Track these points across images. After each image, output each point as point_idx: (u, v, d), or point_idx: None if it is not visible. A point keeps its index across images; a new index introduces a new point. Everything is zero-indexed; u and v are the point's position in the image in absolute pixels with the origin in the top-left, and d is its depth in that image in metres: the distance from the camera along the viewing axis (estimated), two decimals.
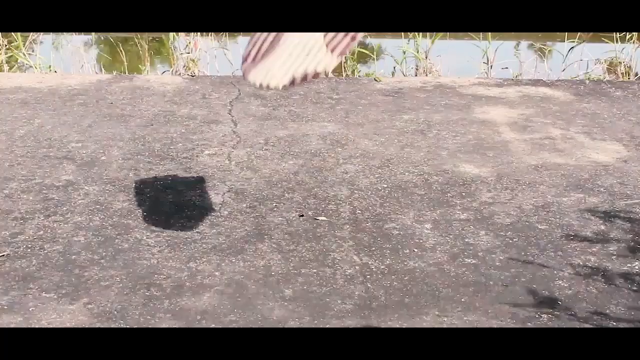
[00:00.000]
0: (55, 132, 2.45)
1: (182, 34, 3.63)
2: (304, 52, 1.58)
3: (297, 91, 2.96)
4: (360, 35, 1.56)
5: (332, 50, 1.55)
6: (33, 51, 3.75)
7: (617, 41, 3.66)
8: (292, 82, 1.54)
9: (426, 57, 3.44)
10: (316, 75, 1.53)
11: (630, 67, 3.56)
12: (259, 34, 1.66)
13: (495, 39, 3.56)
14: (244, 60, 1.64)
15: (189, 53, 3.51)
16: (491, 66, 3.48)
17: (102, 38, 4.53)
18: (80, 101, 2.79)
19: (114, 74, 3.37)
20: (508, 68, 3.52)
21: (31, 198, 1.98)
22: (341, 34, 1.54)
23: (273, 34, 1.64)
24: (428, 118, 2.61)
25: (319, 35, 1.56)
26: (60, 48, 3.98)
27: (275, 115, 2.65)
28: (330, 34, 1.55)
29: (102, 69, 3.74)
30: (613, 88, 3.09)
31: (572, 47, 3.57)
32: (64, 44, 4.07)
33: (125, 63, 3.65)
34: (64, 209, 1.92)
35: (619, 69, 3.52)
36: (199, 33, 3.67)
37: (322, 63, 1.55)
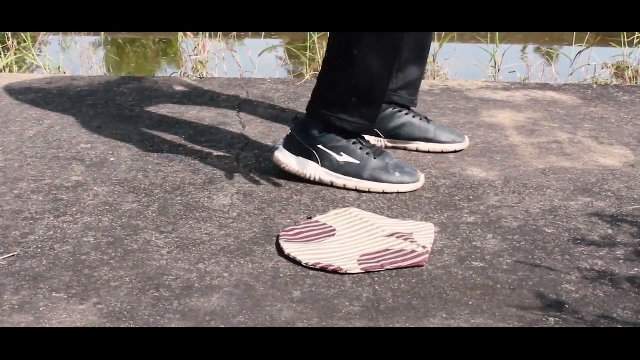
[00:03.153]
0: (65, 133, 2.46)
1: (190, 36, 3.64)
2: (340, 254, 1.71)
3: (306, 94, 2.97)
4: (387, 266, 1.68)
5: (360, 264, 1.67)
6: (41, 52, 3.77)
7: (624, 45, 3.66)
8: (315, 266, 1.67)
9: (434, 61, 3.45)
10: (338, 270, 1.66)
11: (637, 71, 3.57)
12: (313, 222, 1.86)
13: (503, 42, 3.57)
14: (286, 230, 1.80)
15: (197, 55, 3.53)
16: (499, 70, 3.49)
17: (110, 39, 4.55)
18: (89, 102, 2.80)
19: (123, 75, 3.38)
20: (516, 72, 3.53)
21: (41, 198, 1.99)
22: (374, 261, 1.69)
23: (325, 229, 1.83)
24: (436, 120, 2.61)
25: (357, 253, 1.73)
26: (69, 49, 4.00)
27: (284, 117, 2.66)
28: (366, 257, 1.71)
29: (111, 69, 3.76)
30: (620, 92, 3.10)
31: (580, 52, 3.58)
32: (72, 45, 4.09)
33: (134, 65, 3.67)
34: (74, 209, 1.93)
35: (626, 74, 3.53)
36: (207, 35, 3.69)
37: (347, 266, 1.67)
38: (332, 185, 2.08)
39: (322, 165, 2.08)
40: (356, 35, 1.96)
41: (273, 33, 4.40)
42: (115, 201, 1.98)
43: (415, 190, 2.06)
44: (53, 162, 2.23)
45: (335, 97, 2.06)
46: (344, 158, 2.07)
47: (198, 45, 3.57)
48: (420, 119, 2.37)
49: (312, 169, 2.09)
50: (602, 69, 3.65)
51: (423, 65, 2.40)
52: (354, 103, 2.04)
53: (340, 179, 2.07)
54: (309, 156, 2.09)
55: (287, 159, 2.11)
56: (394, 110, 2.35)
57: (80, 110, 2.71)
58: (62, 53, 3.75)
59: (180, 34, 3.67)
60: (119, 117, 2.64)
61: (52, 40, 4.26)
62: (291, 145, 2.11)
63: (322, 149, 2.08)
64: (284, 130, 2.52)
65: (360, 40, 1.97)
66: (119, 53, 4.26)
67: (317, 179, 2.09)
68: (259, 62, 3.57)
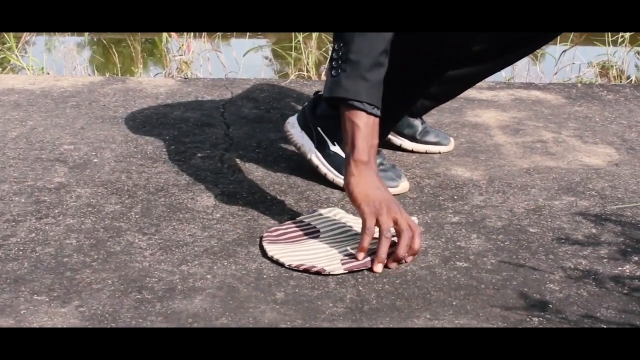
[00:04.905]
0: (48, 134, 2.45)
1: (174, 36, 3.63)
2: (323, 255, 1.70)
3: (291, 94, 2.96)
4: (375, 269, 1.68)
5: (343, 264, 1.67)
6: (26, 52, 3.75)
7: (608, 44, 3.67)
8: (297, 267, 1.66)
9: None
10: (321, 271, 1.65)
11: (622, 70, 3.58)
12: (297, 222, 1.85)
13: None
14: (270, 231, 1.79)
15: (181, 55, 3.51)
16: None
17: (94, 39, 4.53)
18: (72, 103, 2.79)
19: (107, 76, 3.37)
20: (500, 71, 3.52)
21: (23, 200, 1.98)
22: (360, 263, 1.68)
23: (309, 229, 1.81)
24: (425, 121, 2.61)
25: (340, 253, 1.71)
26: (53, 49, 3.98)
27: (268, 118, 2.65)
28: (349, 257, 1.70)
29: (95, 71, 3.74)
30: (605, 91, 3.10)
31: (564, 51, 3.59)
32: (56, 46, 4.06)
33: (118, 65, 3.65)
34: (56, 211, 1.92)
35: (610, 73, 3.54)
36: (191, 35, 3.67)
37: (330, 267, 1.66)
38: (316, 170, 2.08)
39: (317, 147, 2.08)
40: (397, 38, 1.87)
41: (259, 33, 4.39)
42: (98, 203, 1.97)
43: (400, 194, 2.06)
44: (35, 164, 2.21)
45: None
46: (335, 148, 2.06)
47: (182, 45, 3.56)
48: (413, 116, 2.36)
49: (307, 146, 2.10)
50: (587, 67, 3.66)
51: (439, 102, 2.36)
52: None
53: (323, 168, 2.07)
54: (310, 133, 2.10)
55: (292, 128, 2.14)
56: None
57: (63, 111, 2.69)
58: (46, 54, 3.73)
59: (165, 34, 3.65)
60: (103, 118, 2.62)
61: (37, 41, 4.24)
62: (301, 116, 2.14)
63: (320, 132, 2.08)
64: (269, 131, 2.51)
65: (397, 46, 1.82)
66: (104, 53, 4.24)
67: (308, 157, 2.10)
68: (244, 62, 3.56)
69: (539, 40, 2.12)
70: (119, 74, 3.63)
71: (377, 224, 1.66)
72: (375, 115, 1.71)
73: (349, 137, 1.71)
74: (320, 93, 2.13)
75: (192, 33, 3.59)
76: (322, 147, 2.08)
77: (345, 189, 1.73)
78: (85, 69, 3.66)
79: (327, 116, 2.06)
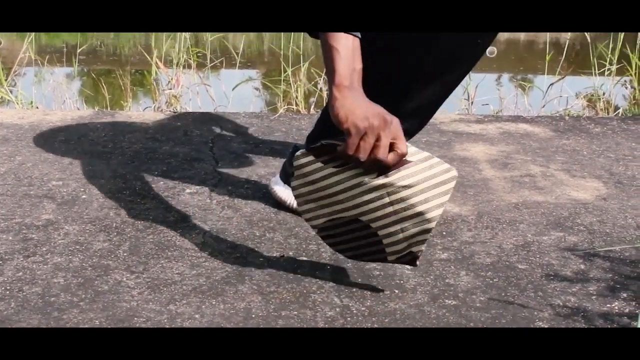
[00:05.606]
0: (36, 170, 2.44)
1: (163, 69, 3.64)
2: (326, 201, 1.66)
3: (280, 128, 2.97)
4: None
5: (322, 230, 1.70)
6: (15, 84, 3.76)
7: (595, 75, 3.70)
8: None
9: None
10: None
11: (609, 102, 3.60)
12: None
13: (476, 72, 3.59)
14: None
15: (171, 89, 3.52)
16: (472, 102, 3.52)
17: (84, 70, 4.54)
18: (61, 138, 2.79)
19: (96, 110, 3.37)
20: (489, 104, 3.55)
21: (10, 238, 1.97)
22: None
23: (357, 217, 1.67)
24: None
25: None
26: (43, 82, 3.98)
27: (257, 152, 2.66)
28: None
29: (84, 104, 3.75)
30: (592, 124, 3.12)
31: (552, 84, 3.61)
32: (46, 77, 4.07)
33: (107, 97, 3.66)
34: (44, 249, 1.91)
35: (598, 105, 3.56)
36: (181, 68, 3.68)
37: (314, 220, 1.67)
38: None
39: None
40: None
41: (248, 63, 4.39)
42: (86, 240, 1.96)
43: None
44: (24, 200, 2.21)
45: (324, 133, 2.06)
46: None
47: (172, 79, 3.57)
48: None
49: (292, 198, 2.12)
50: (575, 98, 3.68)
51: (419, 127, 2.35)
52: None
53: None
54: None
55: (275, 185, 2.18)
56: None
57: (52, 146, 2.69)
58: (35, 87, 3.74)
59: (154, 67, 3.66)
60: (92, 153, 2.62)
61: (27, 72, 4.25)
62: (282, 172, 2.17)
63: None
64: (258, 166, 2.52)
65: None
66: (93, 85, 4.25)
67: (294, 207, 2.11)
68: (233, 95, 3.57)
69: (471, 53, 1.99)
70: (108, 106, 3.63)
71: (360, 141, 1.56)
72: (355, 36, 1.62)
73: (329, 64, 1.61)
74: (297, 145, 2.16)
75: (181, 66, 3.60)
76: None
77: (331, 116, 1.60)
78: (75, 103, 3.67)
79: None
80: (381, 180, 1.59)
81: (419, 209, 1.60)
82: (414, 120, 2.01)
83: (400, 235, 1.63)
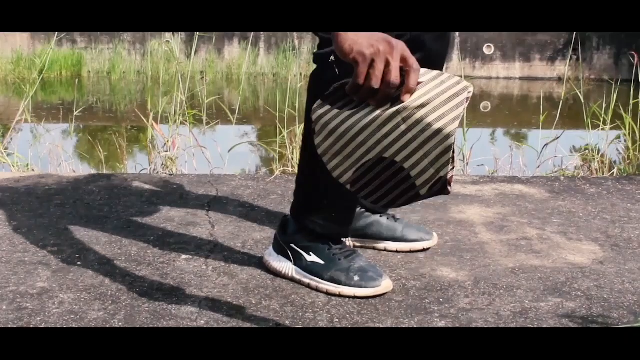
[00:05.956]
0: (31, 235, 2.44)
1: (159, 132, 3.65)
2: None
3: (275, 190, 2.97)
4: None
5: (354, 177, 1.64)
6: (11, 142, 3.77)
7: (589, 128, 3.72)
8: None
9: None
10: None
11: (603, 162, 3.62)
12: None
13: (472, 127, 3.62)
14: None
15: (167, 152, 3.53)
16: (467, 163, 3.53)
17: (80, 126, 4.56)
18: (57, 202, 2.78)
19: (92, 172, 3.37)
20: (484, 165, 3.57)
21: (4, 307, 1.95)
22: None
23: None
24: (405, 218, 2.62)
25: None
26: (39, 144, 4.00)
27: (253, 216, 2.66)
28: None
29: (80, 165, 3.76)
30: (587, 185, 3.13)
31: (547, 144, 3.63)
32: (43, 136, 4.08)
33: (103, 154, 3.66)
34: (38, 319, 1.90)
35: (592, 165, 3.58)
36: (177, 128, 3.70)
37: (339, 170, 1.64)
38: (300, 283, 2.09)
39: (295, 264, 2.12)
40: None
41: (244, 119, 4.42)
42: (81, 309, 1.95)
43: (384, 294, 2.05)
44: (18, 267, 2.19)
45: (307, 200, 2.10)
46: (312, 257, 2.09)
47: (168, 141, 3.58)
48: (388, 218, 2.37)
49: (286, 267, 2.13)
50: (571, 152, 3.71)
51: None
52: (325, 206, 2.07)
53: (305, 278, 2.09)
54: (285, 254, 2.14)
55: (269, 257, 2.19)
56: (361, 209, 2.36)
57: (48, 210, 2.69)
58: (31, 149, 3.75)
59: (150, 130, 3.68)
60: (87, 218, 2.62)
61: (24, 128, 4.26)
62: (275, 243, 2.19)
63: (294, 248, 2.12)
64: (254, 230, 2.51)
65: None
66: (89, 141, 4.27)
67: (290, 276, 2.13)
68: (229, 157, 3.58)
69: None
70: (104, 165, 3.64)
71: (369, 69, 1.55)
72: None
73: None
74: (286, 216, 2.17)
75: (177, 129, 3.62)
76: (299, 261, 2.12)
77: (337, 52, 1.57)
78: (71, 165, 3.67)
79: (296, 231, 2.13)
80: (395, 107, 1.58)
81: (435, 126, 1.57)
82: None
83: (426, 162, 1.60)
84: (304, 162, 2.10)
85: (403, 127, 1.60)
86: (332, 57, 1.84)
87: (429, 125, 1.58)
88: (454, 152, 1.59)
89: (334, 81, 1.70)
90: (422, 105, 1.58)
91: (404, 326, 1.88)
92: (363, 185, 1.65)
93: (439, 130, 1.58)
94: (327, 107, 1.66)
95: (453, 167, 1.65)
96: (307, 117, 2.03)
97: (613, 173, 3.51)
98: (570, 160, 3.66)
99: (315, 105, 1.67)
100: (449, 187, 1.62)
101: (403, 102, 1.59)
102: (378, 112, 1.60)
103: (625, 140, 3.89)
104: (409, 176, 1.62)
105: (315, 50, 2.04)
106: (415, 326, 1.88)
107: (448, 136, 1.57)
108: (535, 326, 1.90)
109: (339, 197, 2.05)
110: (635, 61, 4.10)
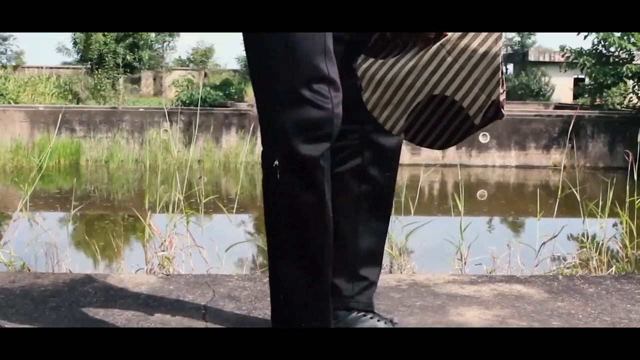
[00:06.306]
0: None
1: (156, 231, 3.65)
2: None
3: None
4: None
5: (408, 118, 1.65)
6: (8, 242, 3.76)
7: (584, 215, 3.72)
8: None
9: (400, 254, 3.48)
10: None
11: (601, 260, 3.62)
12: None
13: (468, 215, 3.62)
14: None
15: (163, 251, 3.53)
16: (465, 263, 3.53)
17: (78, 214, 4.56)
18: (52, 304, 2.76)
19: (88, 272, 3.35)
20: (481, 264, 3.56)
21: None
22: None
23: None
24: (403, 321, 2.61)
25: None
26: (35, 243, 3.99)
27: (250, 320, 2.63)
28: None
29: (77, 258, 3.75)
30: (586, 284, 3.12)
31: (544, 243, 3.63)
32: (38, 230, 4.07)
33: (99, 247, 3.66)
34: None
35: (590, 264, 3.57)
36: (174, 226, 3.70)
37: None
38: None
39: None
40: (272, 249, 2.00)
41: (241, 208, 4.42)
42: None
43: None
44: None
45: (276, 305, 2.09)
46: None
47: (165, 241, 3.58)
48: (385, 322, 2.35)
49: None
50: (568, 239, 3.70)
51: (377, 269, 2.39)
52: (289, 314, 2.06)
53: None
54: None
55: None
56: (357, 314, 2.34)
57: (43, 314, 2.66)
58: (26, 248, 3.74)
59: (147, 229, 3.68)
60: (83, 322, 2.59)
61: (21, 222, 4.25)
62: None
63: None
64: None
65: (276, 255, 2.00)
66: (87, 230, 4.26)
67: None
68: (226, 257, 3.58)
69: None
70: (100, 256, 3.62)
71: None
72: None
73: None
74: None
75: (175, 228, 3.62)
76: None
77: None
78: (67, 259, 3.66)
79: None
80: (438, 42, 1.60)
81: (481, 50, 1.58)
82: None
83: (476, 88, 1.58)
84: (269, 266, 2.10)
85: (449, 59, 1.61)
86: (276, 162, 1.78)
87: (475, 50, 1.60)
88: (502, 72, 1.60)
89: (278, 188, 1.75)
90: (463, 35, 1.61)
91: None
92: (417, 131, 1.65)
93: (486, 53, 1.59)
94: (371, 59, 1.68)
95: (504, 90, 1.65)
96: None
97: (611, 271, 3.50)
98: (569, 259, 3.65)
99: (359, 61, 1.70)
100: (502, 110, 1.62)
101: (445, 35, 1.61)
102: (422, 52, 1.63)
103: (622, 234, 3.90)
104: (461, 108, 1.62)
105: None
106: None
107: (495, 56, 1.58)
108: None
109: (301, 303, 2.02)
110: (630, 159, 4.14)
